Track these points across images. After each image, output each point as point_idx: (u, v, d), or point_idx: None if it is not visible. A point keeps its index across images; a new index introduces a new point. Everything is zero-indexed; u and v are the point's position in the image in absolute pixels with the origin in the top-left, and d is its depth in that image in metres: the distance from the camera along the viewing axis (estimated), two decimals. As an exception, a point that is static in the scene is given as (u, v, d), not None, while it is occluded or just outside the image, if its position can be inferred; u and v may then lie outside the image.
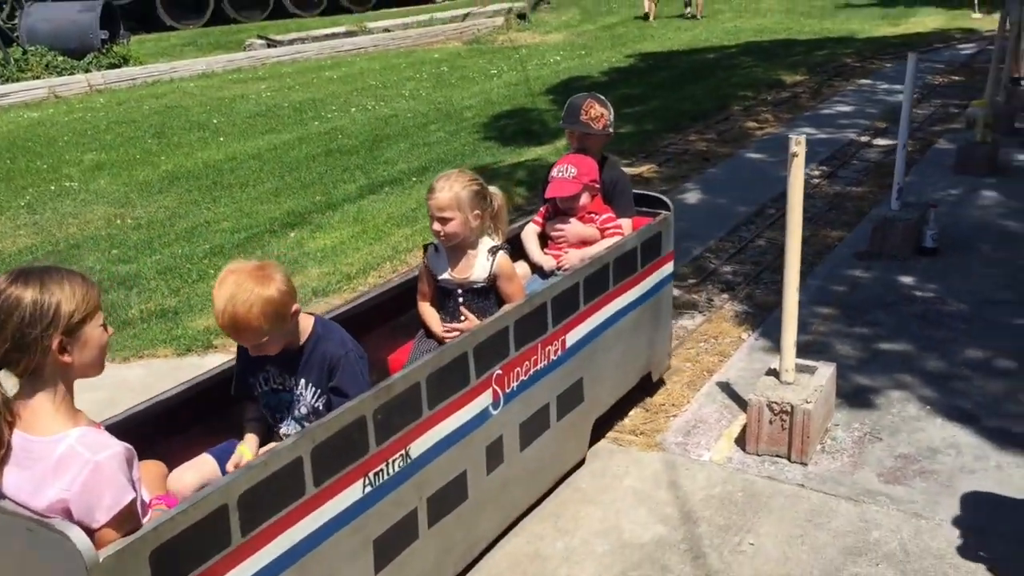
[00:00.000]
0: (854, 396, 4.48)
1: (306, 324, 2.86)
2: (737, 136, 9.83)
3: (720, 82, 12.81)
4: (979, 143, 7.76)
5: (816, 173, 8.27)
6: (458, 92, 13.70)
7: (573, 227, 4.04)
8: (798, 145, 3.78)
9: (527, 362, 3.37)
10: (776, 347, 4.81)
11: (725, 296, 5.71)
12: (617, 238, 3.99)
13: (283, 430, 2.93)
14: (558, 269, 3.94)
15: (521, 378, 3.35)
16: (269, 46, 18.57)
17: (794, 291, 4.00)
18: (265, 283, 2.63)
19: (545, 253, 4.09)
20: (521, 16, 20.98)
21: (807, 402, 3.91)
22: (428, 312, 3.58)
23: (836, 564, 3.33)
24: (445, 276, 3.48)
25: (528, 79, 14.35)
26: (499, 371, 3.21)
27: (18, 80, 15.22)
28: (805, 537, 3.48)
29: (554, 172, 4.06)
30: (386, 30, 20.11)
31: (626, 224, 4.10)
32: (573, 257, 3.96)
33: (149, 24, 21.46)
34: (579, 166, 3.99)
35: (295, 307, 2.75)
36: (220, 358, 5.17)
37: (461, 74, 15.27)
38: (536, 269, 4.06)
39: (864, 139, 9.44)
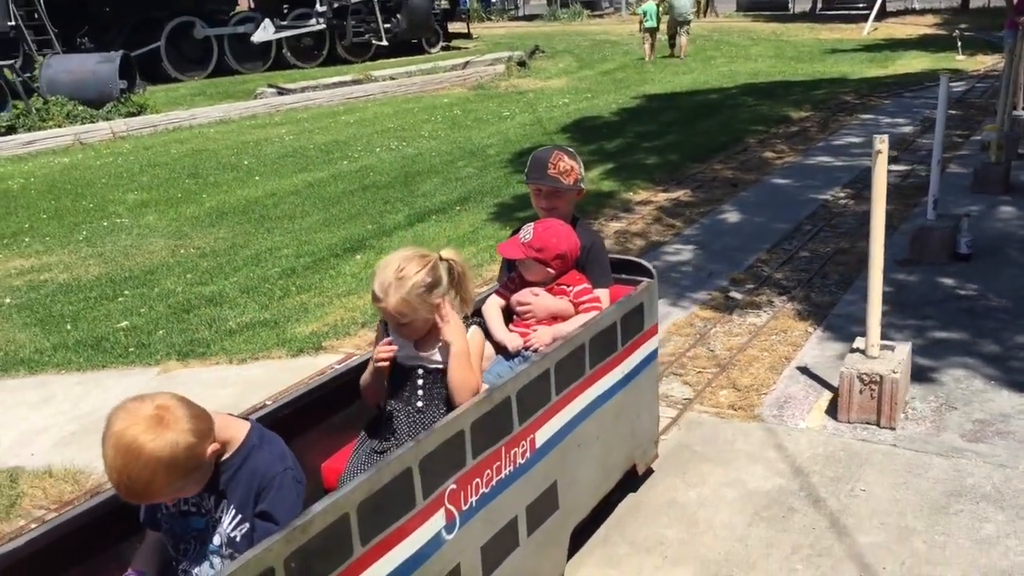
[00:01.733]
0: (922, 375, 4.94)
1: (237, 432, 2.33)
2: (758, 165, 10.42)
3: (729, 119, 13.46)
4: (993, 164, 8.36)
5: (842, 195, 8.84)
6: (475, 132, 14.26)
7: (542, 300, 3.48)
8: (882, 143, 4.30)
9: (488, 471, 2.81)
10: (843, 338, 5.32)
11: (784, 298, 6.19)
12: (593, 313, 3.44)
13: (185, 568, 2.34)
14: (526, 349, 3.39)
15: (481, 490, 2.78)
16: (280, 93, 19.13)
17: (878, 274, 4.48)
18: (163, 438, 2.07)
19: (510, 330, 3.51)
20: (521, 63, 21.73)
21: (894, 372, 4.37)
22: (366, 375, 3.05)
23: (941, 503, 3.77)
24: (404, 352, 2.94)
25: (541, 120, 14.96)
26: (453, 486, 2.65)
27: (40, 129, 15.63)
28: (908, 484, 3.92)
29: (520, 230, 3.54)
30: (391, 78, 20.78)
31: (603, 295, 3.57)
32: (543, 335, 3.39)
33: (154, 76, 21.98)
34: (544, 236, 3.44)
35: (211, 448, 2.19)
36: (331, 358, 5.57)
37: (475, 116, 15.85)
38: (500, 349, 3.46)
39: (877, 165, 10.05)
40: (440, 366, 2.91)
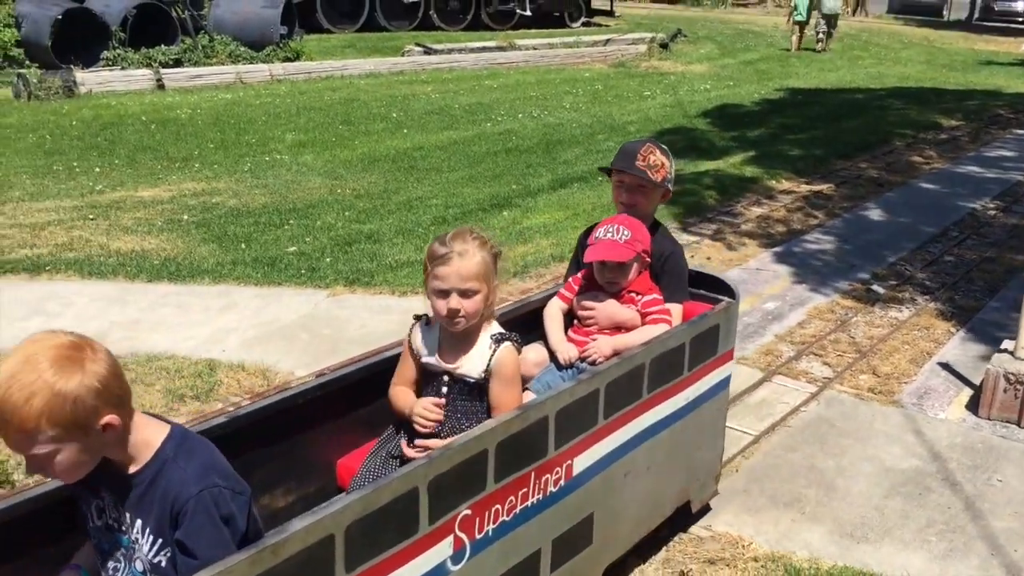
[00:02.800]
0: (1066, 386, 4.99)
1: (153, 436, 1.96)
2: (905, 168, 10.34)
3: (876, 120, 13.29)
4: None
5: (992, 206, 8.74)
6: (616, 109, 14.45)
7: (607, 307, 3.18)
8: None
9: (512, 497, 2.50)
10: (986, 342, 5.40)
11: (927, 297, 6.26)
12: (662, 327, 3.12)
13: None
14: (582, 360, 3.11)
15: (501, 518, 2.48)
16: (427, 53, 19.67)
17: (1037, 278, 4.55)
18: (69, 371, 1.80)
19: (569, 338, 3.22)
20: (663, 46, 21.71)
21: (1041, 375, 4.47)
22: (401, 395, 2.77)
23: (1079, 503, 3.89)
24: (430, 359, 2.71)
25: (682, 103, 15.03)
26: (467, 511, 2.36)
27: (205, 64, 16.53)
28: (1046, 482, 4.04)
29: (599, 232, 3.19)
30: (534, 48, 21.06)
31: (675, 311, 3.25)
32: (603, 346, 3.10)
33: (307, 26, 22.81)
34: (633, 229, 3.17)
35: (108, 418, 1.85)
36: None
37: (615, 93, 16.03)
38: (554, 357, 3.20)
39: (1031, 181, 9.87)
40: (466, 379, 2.66)
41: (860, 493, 3.90)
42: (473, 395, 2.66)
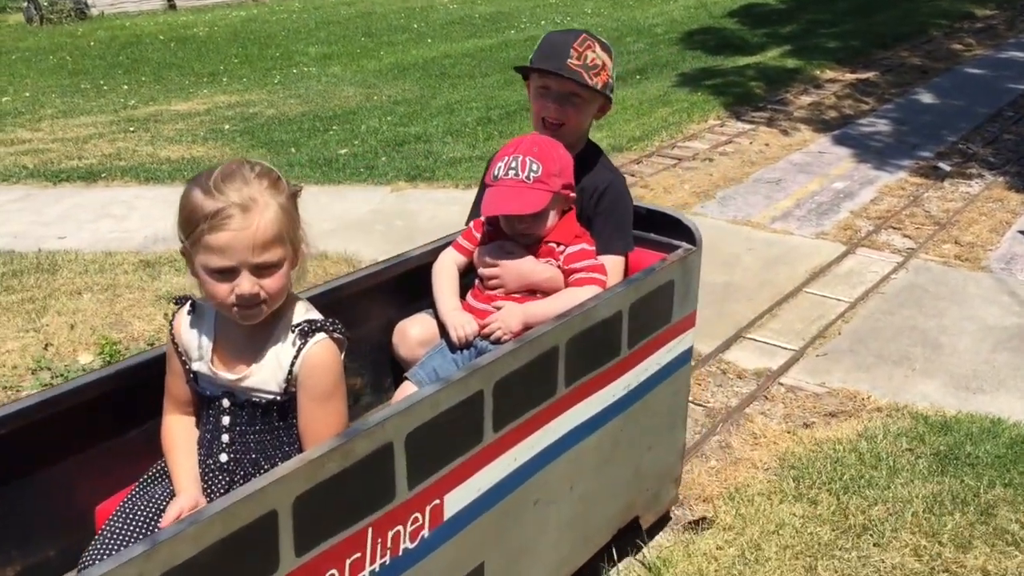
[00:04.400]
0: None
1: None
2: (946, 55, 10.14)
3: (908, 12, 13.00)
4: None
5: (1042, 86, 8.60)
6: (639, 12, 14.15)
7: (518, 264, 2.30)
8: None
9: (334, 569, 1.60)
10: (1065, 208, 5.32)
11: (994, 172, 6.18)
12: (592, 289, 2.24)
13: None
14: (483, 339, 2.24)
15: None
16: (437, -34, 19.20)
17: None
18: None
19: (466, 305, 2.35)
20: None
21: None
22: (175, 441, 1.82)
23: None
24: (201, 367, 1.77)
25: (706, 3, 14.70)
26: None
27: (214, -16, 16.19)
28: None
29: (498, 168, 2.28)
30: (545, -43, 20.55)
31: (613, 265, 2.36)
32: (510, 317, 2.23)
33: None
34: (545, 158, 2.24)
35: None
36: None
37: (636, -3, 15.69)
38: (445, 332, 2.31)
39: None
40: (257, 398, 1.74)
41: (967, 349, 3.89)
42: (271, 419, 1.75)
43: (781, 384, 3.63)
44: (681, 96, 8.28)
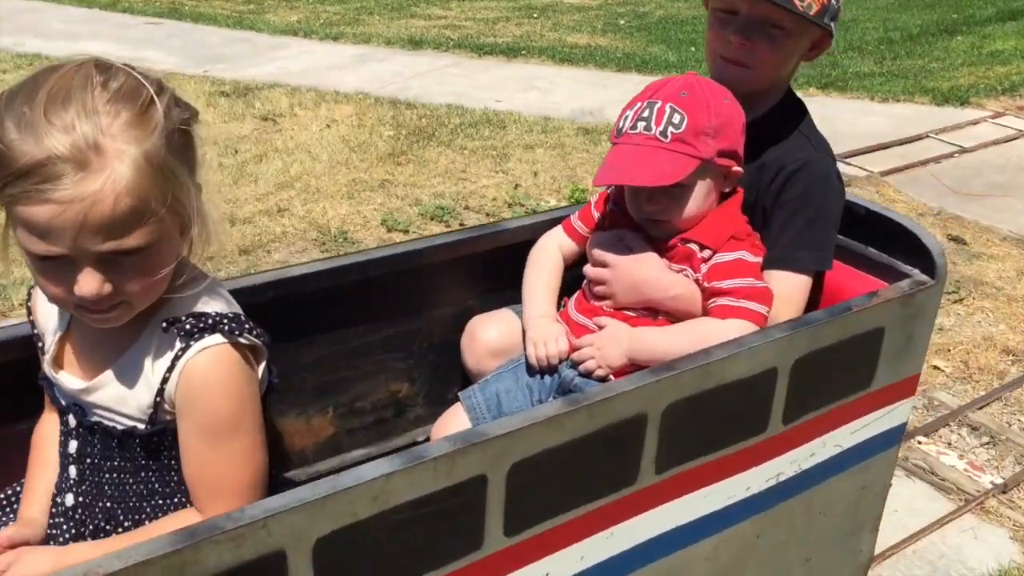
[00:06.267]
0: None
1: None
2: None
3: None
4: None
5: None
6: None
7: (634, 269, 1.58)
8: None
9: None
10: None
11: None
12: (740, 325, 1.49)
13: None
14: (570, 366, 1.60)
15: None
16: None
17: None
18: None
19: (564, 314, 1.68)
20: None
21: None
22: (38, 448, 1.31)
23: None
24: (49, 371, 1.22)
25: None
26: None
27: None
28: None
29: (624, 119, 1.56)
30: None
31: (788, 288, 1.57)
32: (611, 346, 1.55)
33: None
34: (698, 110, 1.49)
35: None
36: (973, 113, 5.60)
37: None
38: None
39: None
40: (121, 426, 1.18)
41: None
42: (134, 454, 1.18)
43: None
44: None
